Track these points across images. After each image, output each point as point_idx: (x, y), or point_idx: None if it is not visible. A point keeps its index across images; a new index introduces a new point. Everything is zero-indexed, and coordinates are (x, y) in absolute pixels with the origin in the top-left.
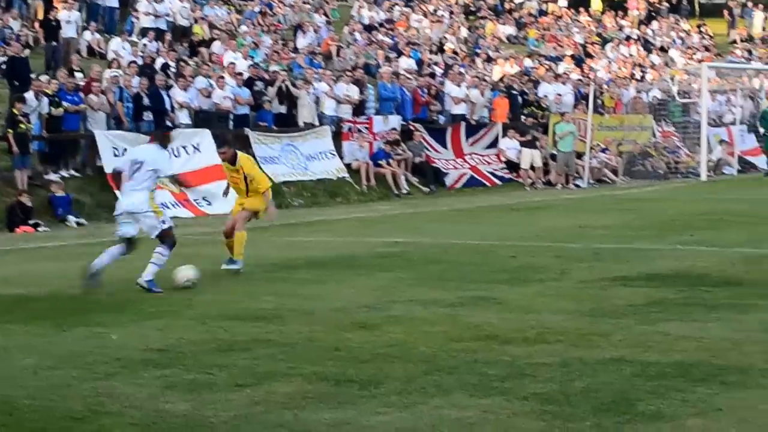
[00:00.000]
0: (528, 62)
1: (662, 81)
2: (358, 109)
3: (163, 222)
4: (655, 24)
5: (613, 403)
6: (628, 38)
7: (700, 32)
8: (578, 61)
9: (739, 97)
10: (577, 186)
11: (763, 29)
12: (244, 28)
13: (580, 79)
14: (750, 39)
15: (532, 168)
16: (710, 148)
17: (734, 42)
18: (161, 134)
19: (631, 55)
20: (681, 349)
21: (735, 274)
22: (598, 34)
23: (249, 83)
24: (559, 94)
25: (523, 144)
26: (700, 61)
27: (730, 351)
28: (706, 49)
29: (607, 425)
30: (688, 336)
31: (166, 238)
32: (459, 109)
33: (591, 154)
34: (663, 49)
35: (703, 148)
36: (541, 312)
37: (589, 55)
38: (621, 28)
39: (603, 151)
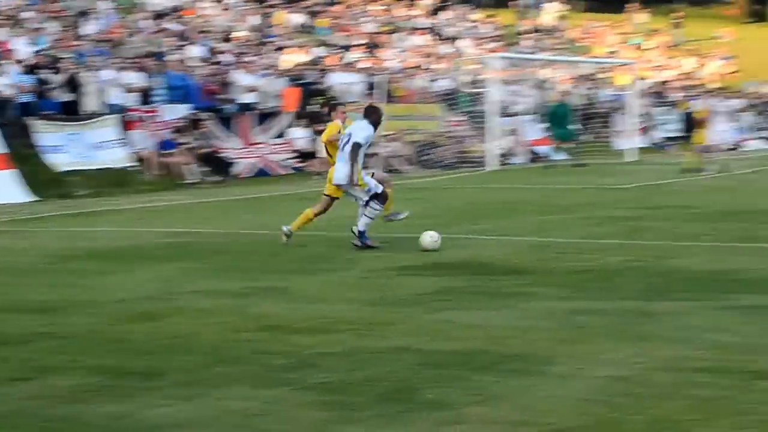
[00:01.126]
0: (318, 51)
1: (452, 71)
2: (146, 97)
3: (369, 191)
4: (445, 14)
5: (396, 391)
6: (418, 28)
7: (490, 22)
8: (368, 51)
9: (527, 87)
10: None
11: (553, 20)
12: (28, 14)
13: (370, 69)
14: (538, 30)
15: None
16: (499, 138)
17: (523, 32)
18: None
19: (421, 45)
20: (465, 338)
21: (520, 262)
22: (389, 23)
23: (33, 70)
24: (348, 84)
25: (320, 132)
26: (489, 52)
27: (512, 339)
28: (496, 39)
29: (389, 414)
30: (472, 324)
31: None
32: (248, 98)
33: (382, 143)
34: (453, 39)
35: (492, 137)
36: (328, 302)
37: (379, 45)
38: (411, 17)
39: (394, 140)
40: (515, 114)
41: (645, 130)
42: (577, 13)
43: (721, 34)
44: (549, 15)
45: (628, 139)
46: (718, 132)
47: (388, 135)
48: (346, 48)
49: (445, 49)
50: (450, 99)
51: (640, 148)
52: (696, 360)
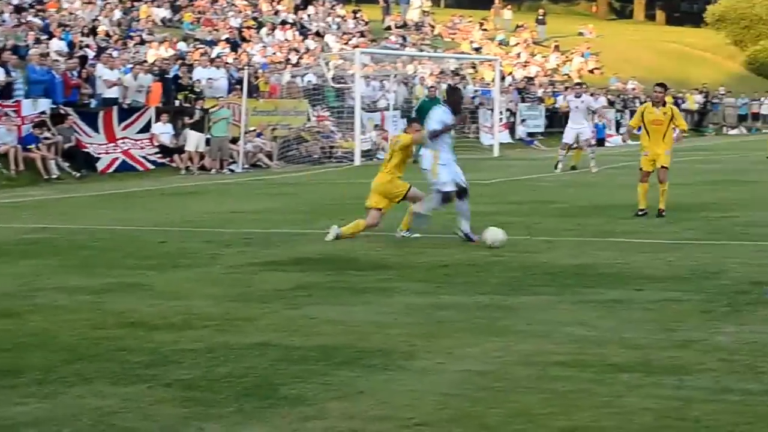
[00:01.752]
0: (182, 46)
1: (317, 66)
2: (6, 92)
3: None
4: (311, 9)
5: (257, 387)
6: (283, 23)
7: (356, 18)
8: (233, 46)
9: (393, 82)
10: (232, 171)
11: (419, 15)
12: None
13: (234, 64)
14: (404, 25)
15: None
16: (365, 133)
17: (389, 28)
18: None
19: (286, 40)
20: (326, 333)
21: (383, 257)
22: (254, 18)
23: None
24: (213, 79)
25: (192, 127)
26: (355, 47)
27: (374, 334)
28: (362, 34)
29: (249, 410)
30: (334, 320)
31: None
32: (111, 93)
33: (245, 138)
34: (318, 34)
35: (356, 132)
36: (189, 298)
37: (244, 40)
38: (277, 12)
39: (258, 135)
40: (381, 109)
41: (509, 126)
42: (442, 8)
43: (584, 30)
44: (414, 11)
45: (493, 135)
46: (579, 128)
47: (253, 130)
48: (212, 43)
49: (310, 44)
50: (316, 94)
51: (504, 144)
52: (555, 354)
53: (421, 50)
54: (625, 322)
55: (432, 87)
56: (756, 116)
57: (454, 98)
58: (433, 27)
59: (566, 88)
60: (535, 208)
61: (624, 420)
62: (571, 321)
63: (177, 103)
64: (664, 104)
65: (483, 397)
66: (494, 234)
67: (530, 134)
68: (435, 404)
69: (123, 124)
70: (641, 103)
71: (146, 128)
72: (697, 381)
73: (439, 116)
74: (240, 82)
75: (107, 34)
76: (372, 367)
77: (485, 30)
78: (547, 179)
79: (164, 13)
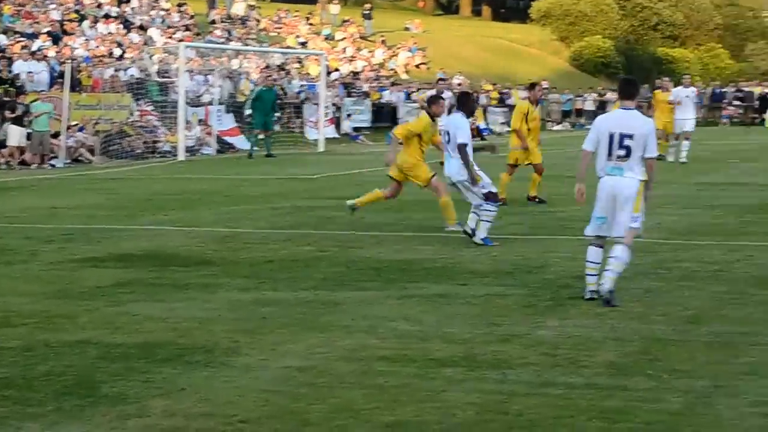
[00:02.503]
0: (2, 39)
1: (141, 60)
2: None
3: (482, 187)
4: (134, 2)
5: (76, 386)
6: (107, 16)
7: (181, 11)
8: (55, 39)
9: (217, 77)
10: (53, 166)
11: (244, 9)
12: None
13: (56, 57)
14: (230, 19)
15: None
16: (189, 128)
17: (214, 22)
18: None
19: (110, 33)
20: (147, 330)
21: (206, 253)
22: (76, 11)
23: None
24: (34, 72)
25: (13, 121)
26: (179, 41)
27: (196, 330)
28: (186, 28)
29: (68, 408)
30: (156, 316)
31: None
32: None
33: (67, 133)
34: (142, 28)
35: (180, 127)
36: (7, 295)
37: (66, 33)
38: (100, 5)
39: (80, 130)
40: (205, 104)
41: (335, 121)
42: (268, 3)
43: (411, 25)
44: (240, 5)
45: (319, 130)
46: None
47: (75, 125)
48: (32, 36)
49: (134, 37)
50: (139, 88)
51: (330, 139)
52: (379, 349)
53: (247, 45)
54: (449, 316)
55: (269, 76)
56: (579, 112)
57: (468, 103)
58: (258, 21)
59: (392, 84)
60: None
61: (447, 414)
62: (395, 316)
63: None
64: (539, 103)
65: (306, 393)
66: None
67: (356, 129)
68: (258, 401)
69: None
70: None
71: None
72: (520, 375)
73: (465, 128)
74: (62, 75)
75: None
76: (194, 364)
77: (311, 24)
78: (371, 173)
79: None
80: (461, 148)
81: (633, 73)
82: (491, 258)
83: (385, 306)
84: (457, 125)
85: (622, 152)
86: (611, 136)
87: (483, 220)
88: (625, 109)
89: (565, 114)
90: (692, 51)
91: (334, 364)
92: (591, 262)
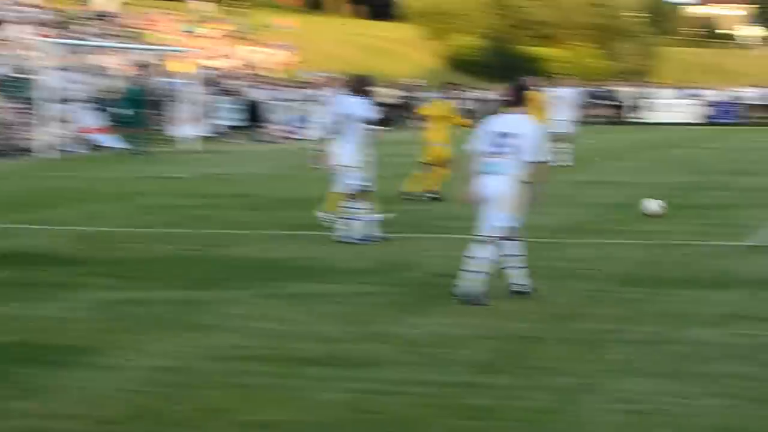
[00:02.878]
0: None
1: (3, 56)
2: None
3: None
4: None
5: None
6: None
7: (45, 7)
8: None
9: (84, 74)
10: None
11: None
12: None
13: None
14: (96, 16)
15: None
16: (53, 126)
17: (80, 18)
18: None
19: None
20: (8, 331)
21: (68, 252)
22: None
23: None
24: None
25: None
26: (44, 36)
27: (57, 331)
28: (52, 24)
29: None
30: (13, 316)
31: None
32: None
33: None
34: (4, 23)
35: (45, 125)
36: None
37: None
38: None
39: None
40: (70, 101)
41: (204, 119)
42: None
43: (283, 24)
44: (106, 1)
45: (188, 128)
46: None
47: None
48: None
49: None
50: (1, 84)
51: (200, 137)
52: (245, 348)
53: (113, 41)
54: (316, 315)
55: (138, 74)
56: None
57: (365, 86)
58: (125, 18)
59: (263, 82)
60: (229, 201)
61: (311, 413)
62: (261, 315)
63: None
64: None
65: (170, 393)
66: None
67: (228, 127)
68: (121, 401)
69: None
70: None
71: None
72: (388, 373)
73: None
74: None
75: None
76: (55, 365)
77: (180, 21)
78: (240, 173)
79: None
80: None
81: (505, 72)
82: (359, 256)
83: (252, 305)
84: (361, 105)
85: (500, 151)
86: (493, 136)
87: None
88: (508, 112)
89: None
90: (563, 50)
91: (200, 364)
92: (486, 258)
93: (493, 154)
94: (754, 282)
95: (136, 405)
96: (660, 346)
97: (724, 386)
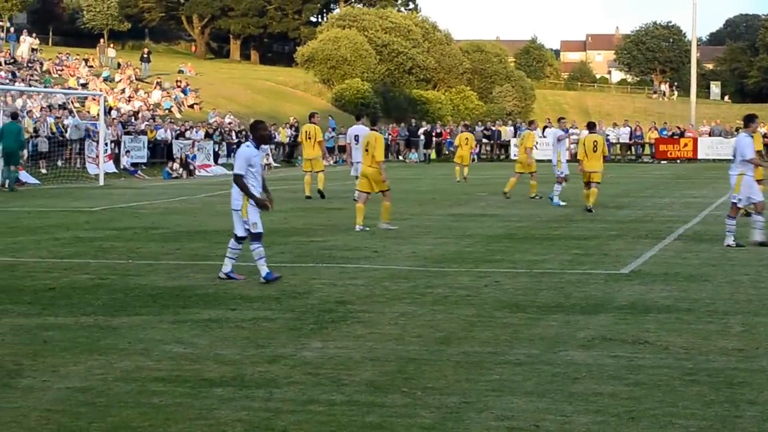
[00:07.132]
0: None
1: None
2: None
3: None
4: None
5: None
6: None
7: None
8: None
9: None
10: None
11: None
12: None
13: None
14: (14, 61)
15: None
16: None
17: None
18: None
19: None
20: None
21: None
22: None
23: None
24: None
25: None
26: None
27: None
28: None
29: None
30: None
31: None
32: None
33: None
34: None
35: None
36: None
37: None
38: None
39: None
40: None
41: (113, 156)
42: (50, 46)
43: (184, 68)
44: (24, 47)
45: (98, 165)
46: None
47: None
48: None
49: None
50: None
51: (110, 174)
52: (154, 370)
53: (30, 85)
54: (219, 339)
55: (14, 112)
56: (342, 148)
57: (260, 132)
58: (41, 63)
59: (167, 122)
60: (137, 234)
61: (216, 431)
62: (169, 339)
63: None
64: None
65: (86, 412)
66: None
67: (134, 164)
68: (40, 420)
69: None
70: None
71: None
72: (286, 393)
73: (247, 153)
74: None
75: None
76: None
77: (91, 67)
78: (147, 206)
79: None
80: (236, 178)
81: (390, 113)
82: (260, 285)
83: (159, 330)
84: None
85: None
86: None
87: (256, 259)
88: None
89: (329, 150)
90: (444, 93)
91: (112, 385)
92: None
93: None
94: (621, 307)
95: (54, 423)
96: (536, 367)
97: (593, 404)
